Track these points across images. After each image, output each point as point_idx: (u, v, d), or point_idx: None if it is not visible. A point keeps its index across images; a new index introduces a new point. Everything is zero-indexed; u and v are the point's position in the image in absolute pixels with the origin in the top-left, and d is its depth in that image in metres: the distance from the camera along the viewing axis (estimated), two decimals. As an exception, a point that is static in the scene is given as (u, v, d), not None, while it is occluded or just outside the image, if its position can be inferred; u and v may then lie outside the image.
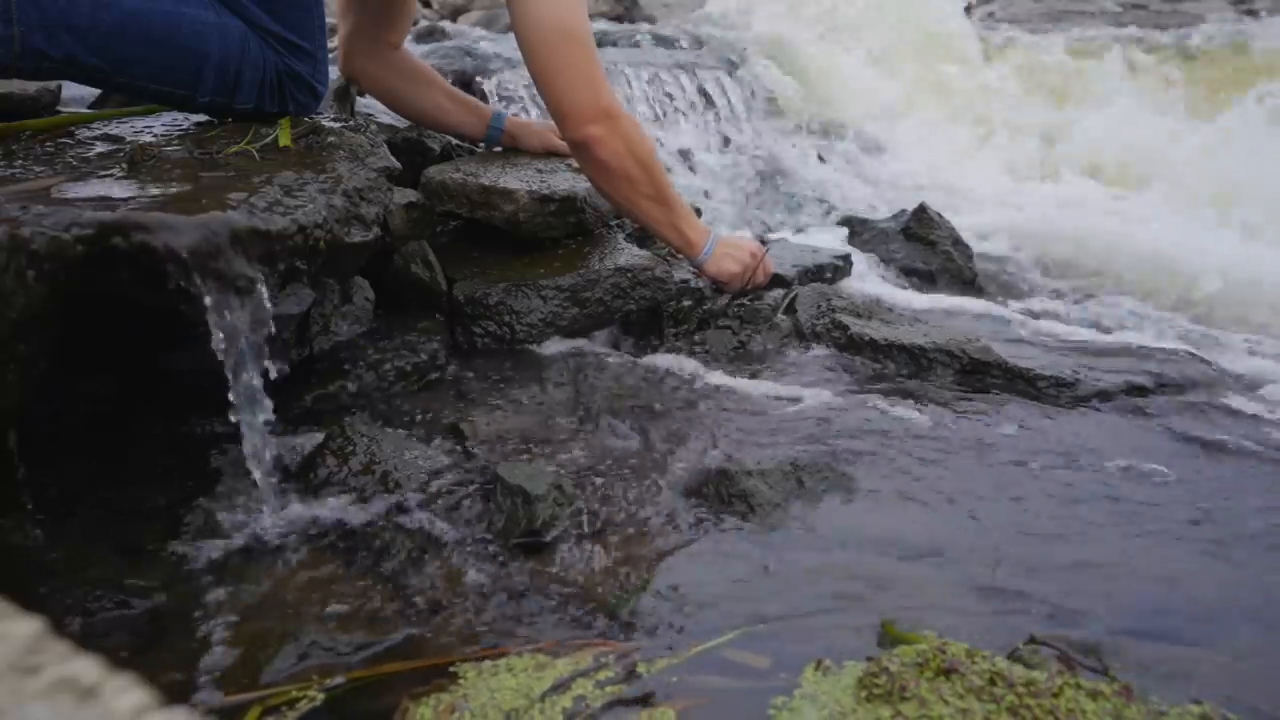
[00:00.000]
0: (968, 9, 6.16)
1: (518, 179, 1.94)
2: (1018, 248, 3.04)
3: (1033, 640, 1.04)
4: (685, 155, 3.38)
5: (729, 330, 1.92)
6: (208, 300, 1.18)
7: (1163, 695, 0.96)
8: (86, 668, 0.43)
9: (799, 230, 3.15)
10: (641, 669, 1.00)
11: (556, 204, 1.92)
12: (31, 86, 1.68)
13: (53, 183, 1.30)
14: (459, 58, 3.17)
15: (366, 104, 2.25)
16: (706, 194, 3.24)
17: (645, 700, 0.96)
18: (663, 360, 1.79)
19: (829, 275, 2.27)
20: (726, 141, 3.58)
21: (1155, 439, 1.55)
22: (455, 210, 1.94)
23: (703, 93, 3.66)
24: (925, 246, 2.64)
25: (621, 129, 1.75)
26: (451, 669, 1.00)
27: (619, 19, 5.71)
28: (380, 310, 1.78)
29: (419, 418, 1.55)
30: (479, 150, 2.21)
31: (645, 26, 4.91)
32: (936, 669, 0.95)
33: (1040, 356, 1.83)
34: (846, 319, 1.91)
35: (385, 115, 2.21)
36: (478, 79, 2.93)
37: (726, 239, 1.97)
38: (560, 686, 0.97)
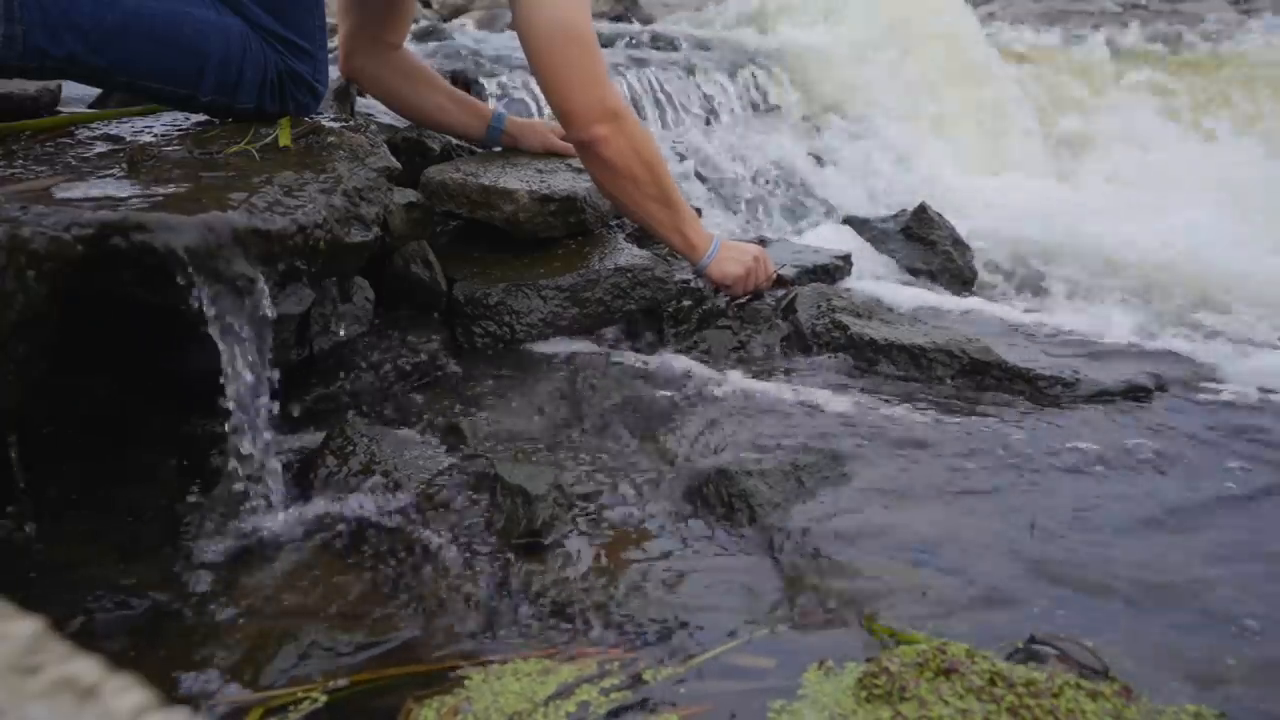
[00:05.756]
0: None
1: (518, 179, 1.94)
2: (1018, 248, 3.04)
3: (1033, 640, 1.04)
4: (684, 156, 3.38)
5: (729, 330, 1.92)
6: (207, 300, 1.18)
7: (1163, 695, 0.96)
8: (86, 668, 0.43)
9: (799, 230, 3.15)
10: (646, 675, 1.00)
11: (557, 204, 1.92)
12: (31, 86, 1.68)
13: (53, 183, 1.30)
14: (459, 58, 3.17)
15: (366, 104, 2.25)
16: (707, 185, 3.24)
17: (649, 707, 0.96)
18: (663, 360, 1.79)
19: (829, 275, 2.26)
20: (725, 141, 3.57)
21: (1156, 440, 1.55)
22: (455, 210, 1.94)
23: (702, 93, 3.66)
24: (925, 246, 2.64)
25: (627, 129, 1.75)
26: (455, 672, 1.00)
27: (619, 19, 5.71)
28: (380, 310, 1.78)
29: (419, 418, 1.55)
30: (479, 150, 2.21)
31: (645, 26, 4.90)
32: (936, 669, 0.95)
33: (1040, 356, 1.83)
34: (846, 319, 1.91)
35: (385, 115, 2.21)
36: (478, 79, 2.93)
37: (729, 242, 1.97)
38: (564, 692, 0.97)
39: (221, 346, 1.21)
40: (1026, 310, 2.40)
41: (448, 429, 1.51)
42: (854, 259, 2.40)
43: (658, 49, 4.02)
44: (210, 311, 1.19)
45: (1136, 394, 1.70)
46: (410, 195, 1.88)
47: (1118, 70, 4.89)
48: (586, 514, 1.31)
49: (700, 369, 1.77)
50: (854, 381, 1.76)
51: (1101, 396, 1.69)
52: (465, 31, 4.62)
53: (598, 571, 1.20)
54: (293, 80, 1.69)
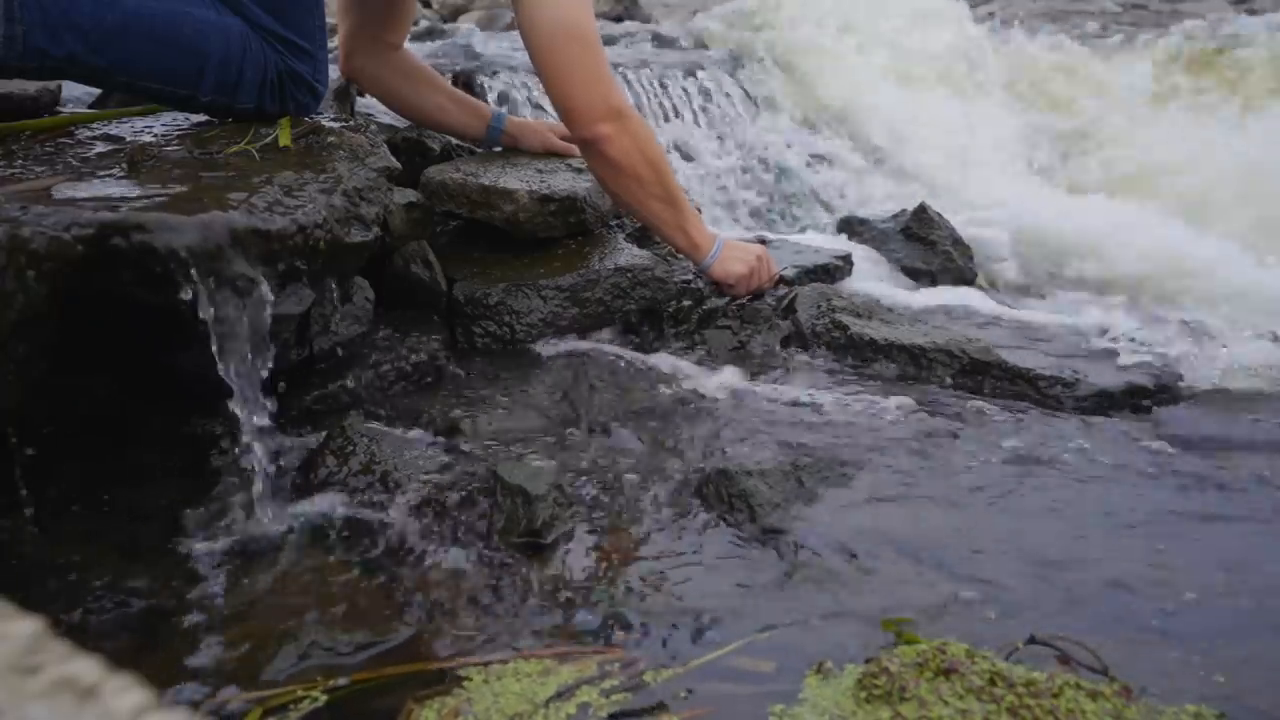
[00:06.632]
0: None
1: (518, 179, 1.94)
2: (1018, 248, 3.04)
3: (1033, 640, 1.04)
4: (685, 155, 3.38)
5: (729, 330, 1.92)
6: (207, 300, 1.18)
7: (1163, 695, 0.96)
8: (86, 668, 0.43)
9: (799, 230, 3.15)
10: (647, 677, 1.00)
11: (557, 204, 1.92)
12: (31, 86, 1.68)
13: (53, 183, 1.30)
14: (459, 58, 3.17)
15: (366, 104, 2.25)
16: (707, 184, 3.24)
17: (649, 709, 0.96)
18: (663, 360, 1.79)
19: (829, 275, 2.26)
20: (726, 141, 3.57)
21: (1155, 440, 1.55)
22: (455, 210, 1.94)
23: (702, 92, 3.66)
24: (925, 246, 2.64)
25: (631, 128, 1.75)
26: (455, 672, 1.00)
27: (619, 19, 5.71)
28: (380, 310, 1.78)
29: (419, 418, 1.55)
30: (479, 150, 2.21)
31: (645, 26, 4.91)
32: (936, 669, 0.95)
33: (1040, 357, 1.83)
34: (846, 319, 1.91)
35: (385, 115, 2.21)
36: (478, 79, 2.93)
37: (732, 242, 1.97)
38: (564, 693, 0.97)
39: (221, 347, 1.21)
40: (1027, 310, 2.40)
41: (448, 429, 1.51)
42: (854, 259, 2.40)
43: (658, 48, 4.02)
44: (210, 311, 1.19)
45: (1137, 395, 1.70)
46: (410, 195, 1.88)
47: (1122, 71, 4.88)
48: (586, 514, 1.31)
49: (700, 369, 1.77)
50: (854, 381, 1.76)
51: (1102, 397, 1.69)
52: (465, 31, 4.62)
53: (598, 572, 1.20)
54: (293, 80, 1.69)
